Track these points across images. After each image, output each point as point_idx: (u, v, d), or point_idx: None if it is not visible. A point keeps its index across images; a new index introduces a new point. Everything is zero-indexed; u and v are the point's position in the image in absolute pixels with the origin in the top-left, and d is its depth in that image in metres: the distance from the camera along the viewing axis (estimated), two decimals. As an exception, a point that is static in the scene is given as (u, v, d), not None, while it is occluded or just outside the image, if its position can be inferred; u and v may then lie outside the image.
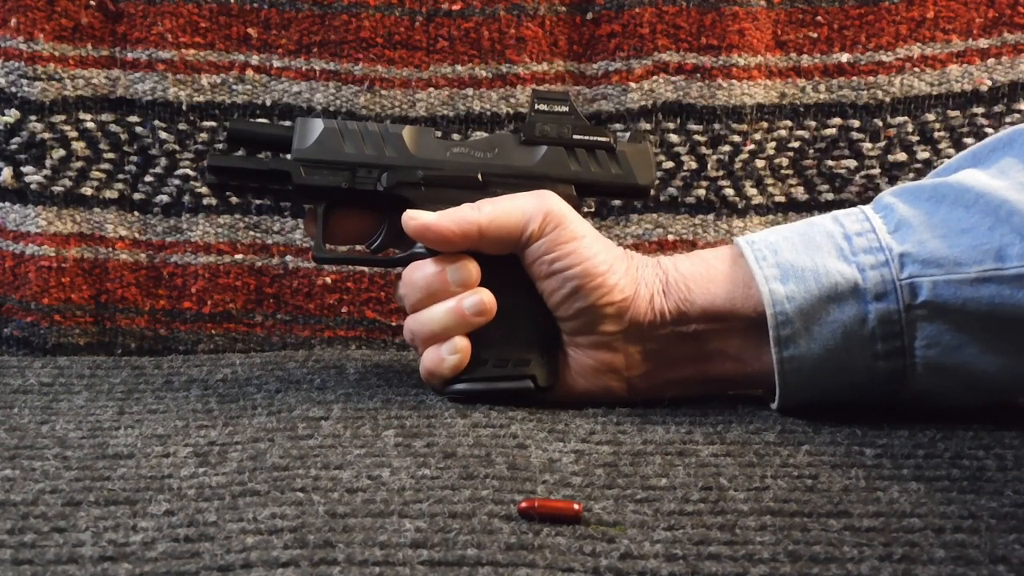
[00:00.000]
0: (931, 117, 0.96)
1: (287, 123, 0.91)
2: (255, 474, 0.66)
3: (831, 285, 0.73)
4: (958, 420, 0.74)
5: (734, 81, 0.94)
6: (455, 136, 0.93)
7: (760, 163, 0.96)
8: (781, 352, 0.73)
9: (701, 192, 0.95)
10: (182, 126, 0.93)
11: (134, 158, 0.94)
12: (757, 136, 0.95)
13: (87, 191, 0.93)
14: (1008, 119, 0.95)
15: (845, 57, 0.95)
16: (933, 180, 0.76)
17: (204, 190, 0.93)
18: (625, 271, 0.76)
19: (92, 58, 0.93)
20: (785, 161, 0.96)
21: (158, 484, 0.65)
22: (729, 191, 0.95)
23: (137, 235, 0.94)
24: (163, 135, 0.93)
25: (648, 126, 0.94)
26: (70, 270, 0.93)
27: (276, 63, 0.93)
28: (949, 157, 0.94)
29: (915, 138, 0.96)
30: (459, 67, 0.93)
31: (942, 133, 0.96)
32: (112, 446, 0.71)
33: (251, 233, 0.94)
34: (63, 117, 0.92)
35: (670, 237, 0.95)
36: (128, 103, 0.93)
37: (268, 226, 0.94)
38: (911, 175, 0.96)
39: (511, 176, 0.78)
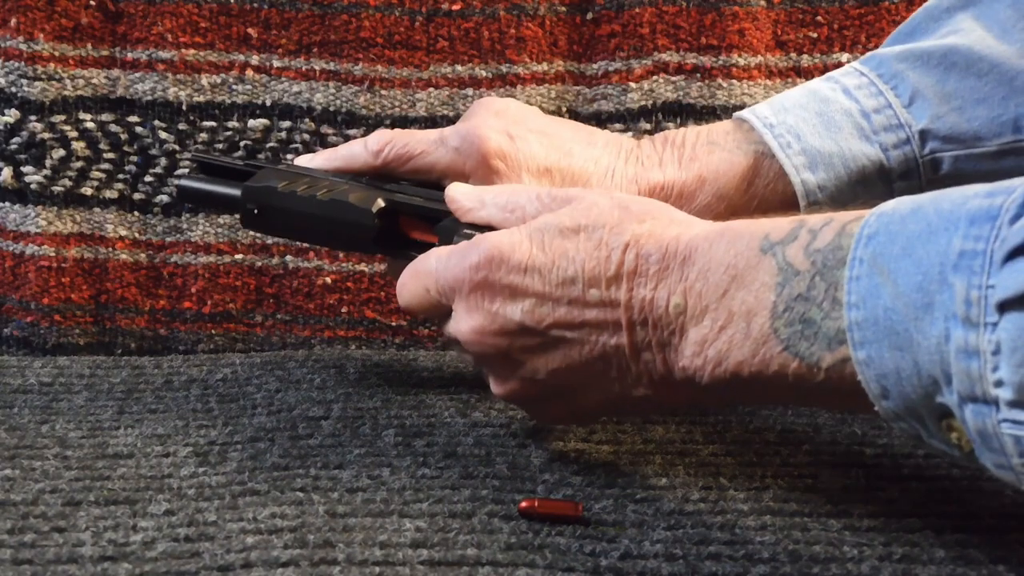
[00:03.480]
0: (931, 117, 0.96)
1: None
2: (255, 474, 0.66)
3: (859, 169, 0.72)
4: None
5: (734, 81, 0.94)
6: None
7: (760, 163, 0.96)
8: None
9: (701, 192, 0.95)
10: (182, 126, 0.93)
11: (134, 158, 0.94)
12: (757, 136, 0.95)
13: (87, 191, 0.93)
14: (1008, 119, 0.95)
15: (845, 57, 0.95)
16: (939, 43, 0.75)
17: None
18: None
19: (92, 58, 0.93)
20: (785, 161, 0.96)
21: (158, 484, 0.65)
22: (729, 191, 0.95)
23: (137, 235, 0.94)
24: (163, 135, 0.93)
25: (648, 126, 0.94)
26: (70, 270, 0.93)
27: (276, 63, 0.93)
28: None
29: (915, 138, 0.96)
30: (459, 67, 0.93)
31: (942, 133, 0.96)
32: (112, 446, 0.71)
33: (251, 233, 0.94)
34: (63, 117, 0.92)
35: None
36: (128, 103, 0.93)
37: (268, 226, 0.94)
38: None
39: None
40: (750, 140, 0.75)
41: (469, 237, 0.67)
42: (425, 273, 0.67)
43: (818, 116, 0.73)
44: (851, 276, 0.52)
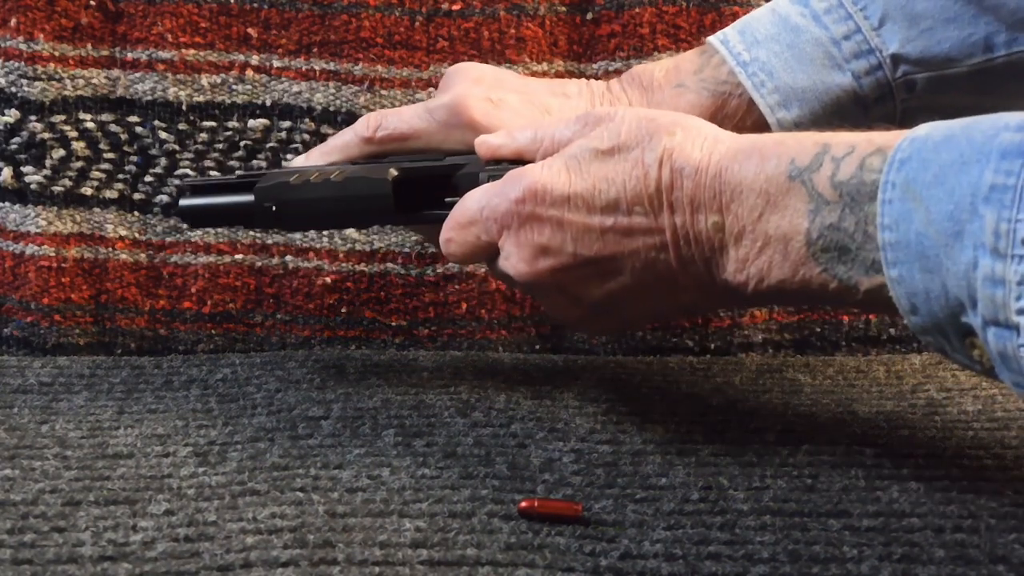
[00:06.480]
0: (931, 117, 0.95)
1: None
2: (255, 474, 0.66)
3: (833, 100, 0.73)
4: (958, 420, 0.74)
5: (734, 81, 0.94)
6: None
7: (760, 163, 0.96)
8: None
9: (701, 192, 0.95)
10: (182, 126, 0.93)
11: (134, 158, 0.94)
12: (757, 136, 0.95)
13: (87, 191, 0.93)
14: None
15: (845, 57, 0.95)
16: None
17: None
18: None
19: (92, 58, 0.93)
20: (785, 161, 0.96)
21: (158, 484, 0.65)
22: (729, 191, 0.95)
23: (137, 235, 0.94)
24: (163, 135, 0.93)
25: (648, 126, 0.94)
26: (70, 270, 0.93)
27: (276, 63, 0.93)
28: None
29: (915, 138, 0.96)
30: (459, 67, 0.93)
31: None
32: (112, 446, 0.71)
33: (251, 233, 0.94)
34: (63, 117, 0.92)
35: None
36: (128, 103, 0.93)
37: (268, 226, 0.94)
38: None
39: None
40: (718, 78, 0.75)
41: (496, 175, 0.69)
42: (470, 220, 0.69)
43: (789, 49, 0.73)
44: (884, 199, 0.55)
